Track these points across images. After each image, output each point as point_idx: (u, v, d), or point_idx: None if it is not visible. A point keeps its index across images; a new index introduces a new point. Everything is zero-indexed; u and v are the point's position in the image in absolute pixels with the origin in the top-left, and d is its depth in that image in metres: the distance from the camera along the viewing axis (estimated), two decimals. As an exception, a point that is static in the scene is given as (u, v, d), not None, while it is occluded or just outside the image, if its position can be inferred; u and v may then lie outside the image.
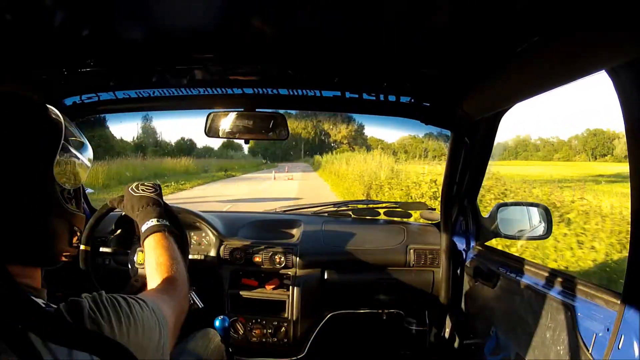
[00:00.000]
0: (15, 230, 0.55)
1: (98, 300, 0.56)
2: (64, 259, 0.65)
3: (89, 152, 0.71)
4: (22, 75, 1.06)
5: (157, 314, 0.63)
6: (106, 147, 18.47)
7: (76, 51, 1.00)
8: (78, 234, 0.66)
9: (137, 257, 1.33)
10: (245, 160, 36.63)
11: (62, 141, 0.60)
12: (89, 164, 0.70)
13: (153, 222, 0.95)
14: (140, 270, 1.32)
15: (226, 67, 1.17)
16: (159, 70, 1.20)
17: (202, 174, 22.56)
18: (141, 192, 1.03)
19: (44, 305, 0.53)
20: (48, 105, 0.61)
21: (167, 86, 1.31)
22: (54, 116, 0.61)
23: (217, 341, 1.38)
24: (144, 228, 0.95)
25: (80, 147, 0.67)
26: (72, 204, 0.64)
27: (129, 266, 1.34)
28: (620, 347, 0.77)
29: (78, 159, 0.65)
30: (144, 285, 1.25)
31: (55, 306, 0.53)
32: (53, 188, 0.59)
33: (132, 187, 1.05)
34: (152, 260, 0.88)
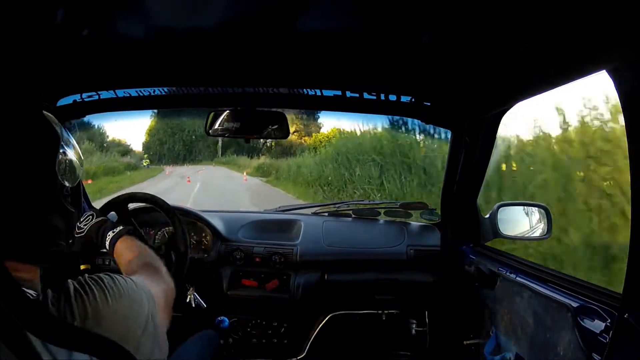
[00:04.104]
0: (14, 226, 0.55)
1: (82, 280, 0.58)
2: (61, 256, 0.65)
3: (79, 153, 0.72)
4: (21, 73, 1.06)
5: (144, 289, 0.65)
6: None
7: (76, 49, 1.00)
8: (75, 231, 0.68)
9: None
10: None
11: (61, 141, 0.61)
12: (81, 164, 0.71)
13: (109, 234, 1.03)
14: None
15: (226, 65, 1.17)
16: (159, 69, 1.19)
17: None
18: (83, 226, 1.10)
19: (35, 296, 0.54)
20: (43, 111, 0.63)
21: (167, 85, 1.31)
22: (49, 118, 0.63)
23: (217, 343, 1.38)
24: (106, 242, 1.03)
25: (72, 147, 0.69)
26: (69, 202, 0.65)
27: None
28: (620, 348, 0.76)
29: (73, 158, 0.67)
30: None
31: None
32: (55, 186, 0.60)
33: (79, 224, 1.10)
34: (127, 255, 0.93)
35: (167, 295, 0.77)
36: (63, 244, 0.64)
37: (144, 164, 24.84)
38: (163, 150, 29.94)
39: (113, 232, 1.03)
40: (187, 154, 30.06)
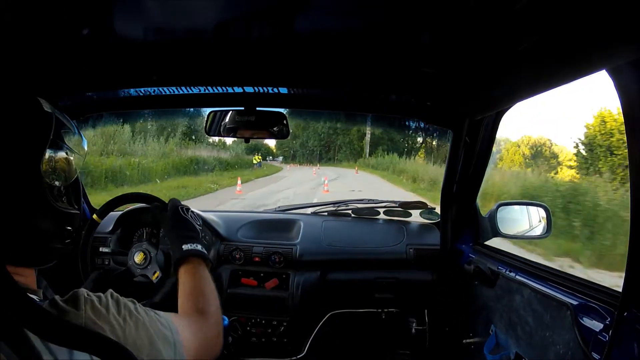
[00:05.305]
0: (1, 229, 0.53)
1: (102, 294, 0.56)
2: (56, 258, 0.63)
3: (83, 145, 0.69)
4: (21, 73, 1.06)
5: (171, 330, 0.60)
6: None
7: (75, 49, 1.00)
8: (73, 232, 0.64)
9: (137, 258, 1.32)
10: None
11: (51, 136, 0.58)
12: (82, 159, 0.68)
13: (197, 246, 0.91)
14: (139, 271, 1.32)
15: (226, 65, 1.17)
16: (159, 69, 1.19)
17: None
18: (190, 217, 1.00)
19: (38, 301, 0.53)
20: (39, 98, 0.59)
21: (167, 85, 1.31)
22: (44, 109, 0.58)
23: None
24: (185, 247, 0.90)
25: (73, 140, 0.65)
26: (63, 202, 0.62)
27: (129, 266, 1.34)
28: (619, 346, 0.77)
29: (69, 153, 0.63)
30: (144, 287, 1.25)
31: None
32: (40, 186, 0.57)
33: (181, 207, 1.02)
34: (188, 286, 0.83)
35: (204, 347, 0.70)
36: (58, 246, 0.61)
37: (255, 161, 19.72)
38: (296, 146, 24.50)
39: (202, 249, 0.91)
40: (323, 151, 23.69)
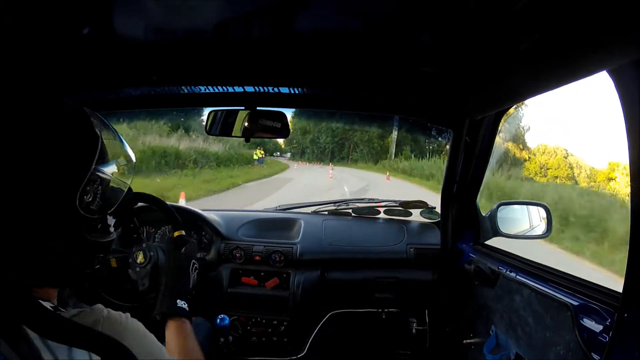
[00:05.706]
0: (26, 255, 0.52)
1: (122, 313, 0.57)
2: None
3: (129, 158, 0.65)
4: (22, 72, 1.06)
5: None
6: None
7: (75, 49, 1.00)
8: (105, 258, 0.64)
9: (138, 257, 1.32)
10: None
11: (93, 165, 0.54)
12: (127, 181, 0.65)
13: (187, 306, 0.91)
14: (139, 270, 1.32)
15: (227, 65, 1.17)
16: (160, 69, 1.19)
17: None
18: (193, 277, 1.00)
19: (51, 308, 0.53)
20: (89, 113, 0.57)
21: (168, 84, 1.31)
22: (93, 129, 0.55)
23: (208, 329, 1.39)
24: (179, 304, 0.91)
25: (119, 156, 0.62)
26: (97, 229, 0.60)
27: (129, 265, 1.34)
28: (620, 347, 0.77)
29: (112, 175, 0.59)
30: (149, 287, 1.25)
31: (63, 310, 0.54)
32: (74, 219, 0.54)
33: (194, 263, 1.01)
34: (176, 349, 0.83)
35: None
36: (88, 272, 0.61)
37: (255, 156, 17.45)
38: (306, 142, 22.45)
39: (188, 308, 0.91)
40: (336, 149, 21.32)
